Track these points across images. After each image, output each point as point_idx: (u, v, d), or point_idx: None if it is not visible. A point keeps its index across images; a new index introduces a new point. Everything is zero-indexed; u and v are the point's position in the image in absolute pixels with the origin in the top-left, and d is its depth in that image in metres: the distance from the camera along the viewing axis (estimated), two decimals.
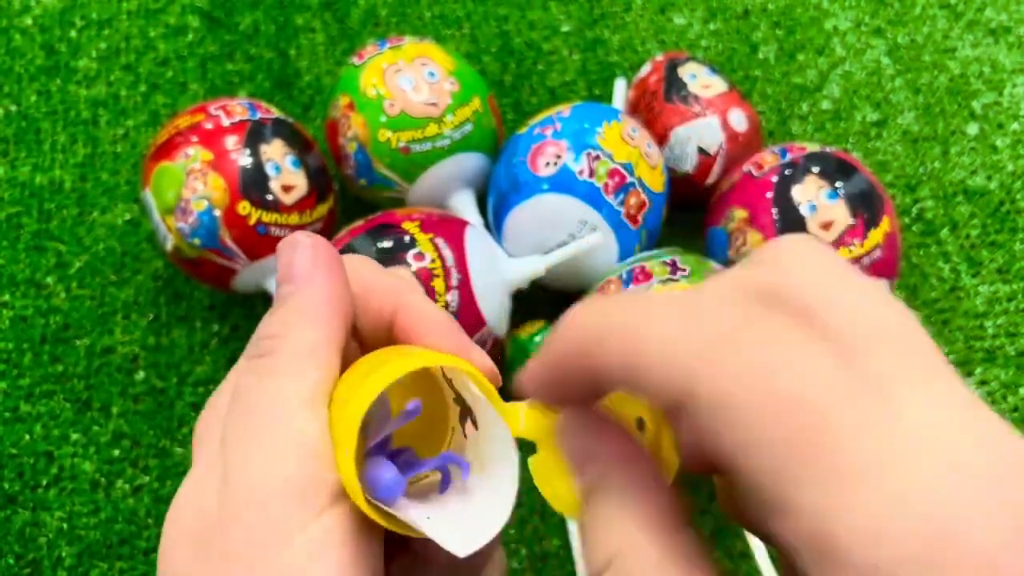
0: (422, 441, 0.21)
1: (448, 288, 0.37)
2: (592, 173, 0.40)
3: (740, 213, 0.41)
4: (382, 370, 0.18)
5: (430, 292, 0.37)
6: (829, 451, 0.13)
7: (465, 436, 0.20)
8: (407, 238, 0.38)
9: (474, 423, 0.19)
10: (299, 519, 0.17)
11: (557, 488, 0.19)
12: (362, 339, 0.21)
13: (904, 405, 0.14)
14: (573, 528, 0.40)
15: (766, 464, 0.14)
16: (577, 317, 0.17)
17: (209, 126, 0.41)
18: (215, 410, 0.20)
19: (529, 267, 0.40)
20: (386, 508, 0.18)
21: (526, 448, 0.19)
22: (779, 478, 0.14)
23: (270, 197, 0.40)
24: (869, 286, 0.15)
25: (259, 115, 0.42)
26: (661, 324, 0.15)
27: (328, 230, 0.43)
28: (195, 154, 0.40)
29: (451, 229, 0.39)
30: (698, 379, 0.14)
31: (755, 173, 0.41)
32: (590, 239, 0.40)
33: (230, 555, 0.17)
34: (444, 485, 0.19)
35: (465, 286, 0.38)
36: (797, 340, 0.14)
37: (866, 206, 0.40)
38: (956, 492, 0.13)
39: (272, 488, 0.17)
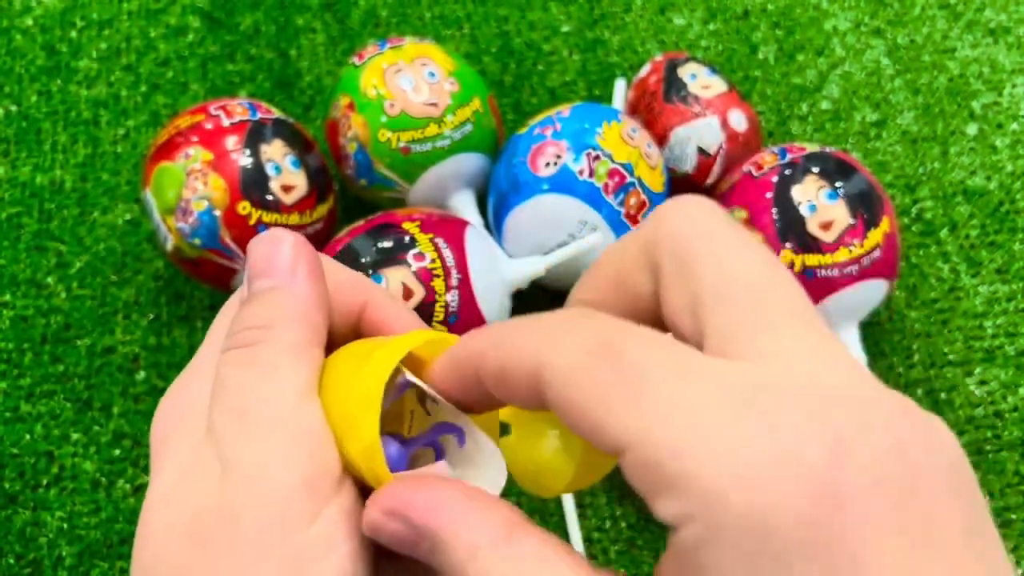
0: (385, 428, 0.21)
1: (448, 288, 0.37)
2: (592, 173, 0.40)
3: (740, 213, 0.41)
4: (387, 348, 0.18)
5: (430, 292, 0.37)
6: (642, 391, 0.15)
7: (428, 413, 0.20)
8: (407, 238, 0.38)
9: (434, 400, 0.20)
10: (310, 509, 0.17)
11: (530, 467, 0.19)
12: (330, 333, 0.21)
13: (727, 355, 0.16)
14: (574, 529, 0.40)
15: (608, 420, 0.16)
16: (471, 337, 0.19)
17: (209, 126, 0.41)
18: (180, 399, 0.20)
19: (529, 267, 0.40)
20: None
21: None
22: (612, 425, 0.15)
23: (270, 197, 0.40)
24: (737, 238, 0.18)
25: (259, 115, 0.42)
26: (521, 333, 0.18)
27: (328, 230, 0.43)
28: (195, 154, 0.40)
29: (451, 229, 0.39)
30: (543, 362, 0.16)
31: (755, 173, 0.41)
32: (590, 239, 0.40)
33: (239, 546, 0.17)
34: (439, 457, 0.20)
35: (465, 286, 0.38)
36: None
37: (866, 206, 0.40)
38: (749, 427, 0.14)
39: (280, 479, 0.17)
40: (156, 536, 0.18)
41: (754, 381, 0.15)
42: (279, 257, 0.20)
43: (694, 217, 0.18)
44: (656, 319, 0.19)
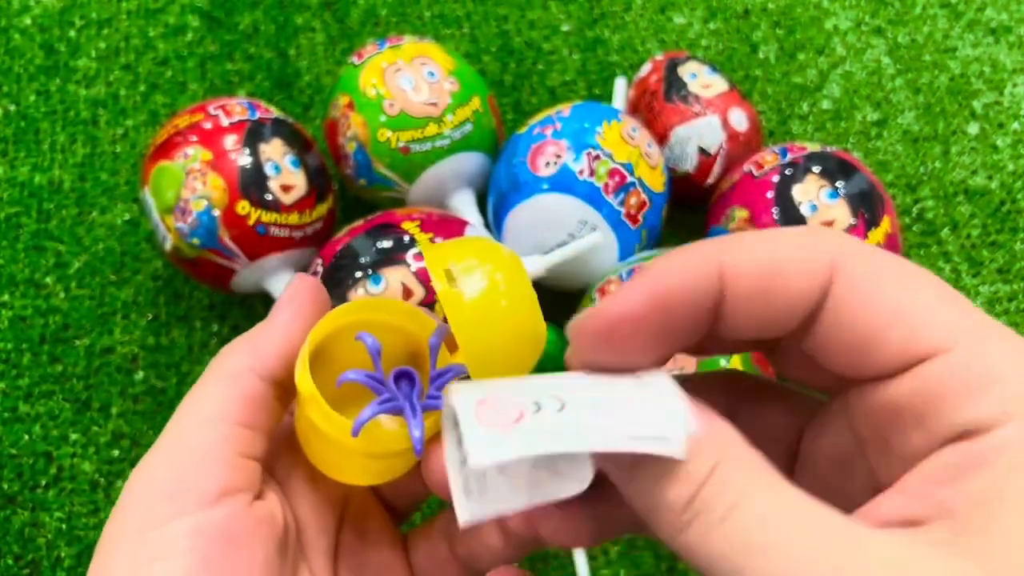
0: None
1: None
2: (592, 173, 0.40)
3: (741, 213, 0.41)
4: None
5: (430, 292, 0.37)
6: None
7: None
8: (407, 238, 0.38)
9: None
10: (162, 516, 0.19)
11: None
12: None
13: None
14: None
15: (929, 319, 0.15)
16: (676, 255, 0.16)
17: (208, 126, 0.41)
18: None
19: (529, 267, 0.40)
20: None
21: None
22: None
23: (269, 197, 0.40)
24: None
25: (258, 115, 0.42)
26: (785, 233, 0.16)
27: (327, 230, 0.43)
28: (194, 154, 0.40)
29: (451, 229, 0.39)
30: (846, 256, 0.15)
31: (755, 173, 0.41)
32: (590, 239, 0.40)
33: (106, 540, 0.19)
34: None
35: None
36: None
37: (867, 206, 0.40)
38: None
39: (145, 488, 0.19)
40: None
41: None
42: (280, 297, 0.22)
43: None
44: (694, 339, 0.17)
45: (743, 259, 0.16)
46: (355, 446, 0.19)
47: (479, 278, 0.18)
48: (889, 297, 0.15)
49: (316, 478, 0.22)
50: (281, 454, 0.22)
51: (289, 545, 0.21)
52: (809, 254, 0.16)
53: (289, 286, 0.22)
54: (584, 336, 0.17)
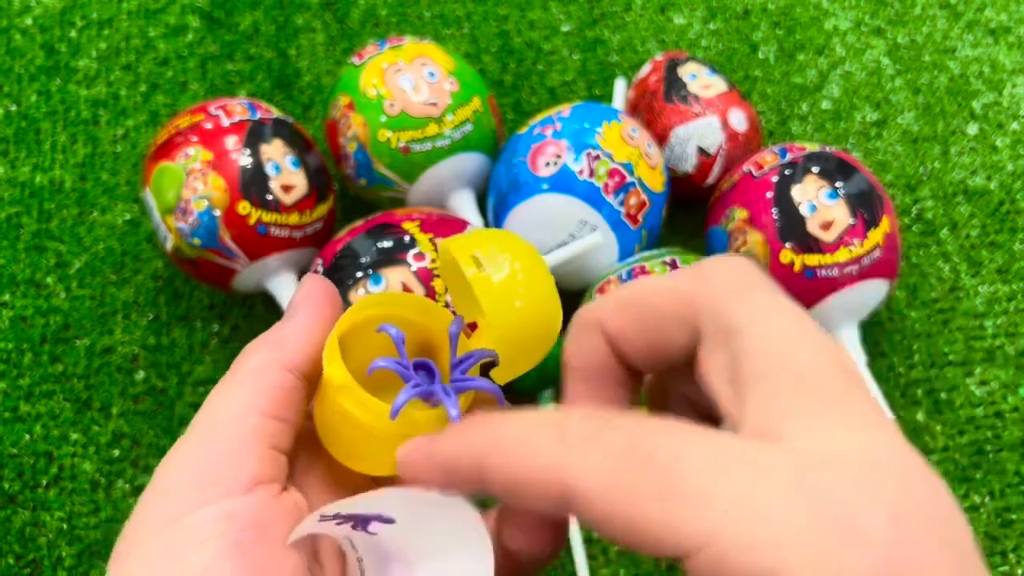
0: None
1: (448, 288, 0.37)
2: (592, 173, 0.40)
3: (740, 213, 0.41)
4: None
5: (430, 292, 0.37)
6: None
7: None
8: (407, 238, 0.38)
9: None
10: (192, 503, 0.19)
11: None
12: None
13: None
14: (575, 529, 0.40)
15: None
16: (464, 432, 0.19)
17: (209, 126, 0.41)
18: None
19: None
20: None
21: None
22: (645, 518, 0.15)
23: (270, 197, 0.40)
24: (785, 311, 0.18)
25: (259, 115, 0.42)
26: (534, 439, 0.17)
27: (328, 230, 0.43)
28: (195, 154, 0.40)
29: (451, 229, 0.39)
30: (569, 478, 0.16)
31: (755, 173, 0.41)
32: (590, 239, 0.40)
33: (138, 528, 0.19)
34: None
35: None
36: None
37: (866, 206, 0.40)
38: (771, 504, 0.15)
39: (176, 476, 0.19)
40: None
41: (799, 463, 0.15)
42: (293, 298, 0.23)
43: (739, 281, 0.18)
44: (678, 367, 0.19)
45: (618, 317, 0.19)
46: (390, 431, 0.20)
47: (504, 263, 0.19)
48: (618, 518, 0.16)
49: (332, 477, 0.22)
50: (299, 452, 0.23)
51: (306, 540, 0.21)
52: (537, 473, 0.17)
53: (302, 285, 0.23)
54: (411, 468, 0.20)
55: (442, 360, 0.22)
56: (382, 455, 0.20)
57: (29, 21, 0.55)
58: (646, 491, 0.15)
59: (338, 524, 0.20)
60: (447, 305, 0.37)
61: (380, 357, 0.20)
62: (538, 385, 0.42)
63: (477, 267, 0.19)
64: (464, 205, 0.44)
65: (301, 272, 0.43)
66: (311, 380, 0.21)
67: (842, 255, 0.39)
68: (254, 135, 0.41)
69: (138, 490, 0.42)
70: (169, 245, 0.41)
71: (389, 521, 0.20)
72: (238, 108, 0.42)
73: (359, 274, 0.37)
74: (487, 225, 0.44)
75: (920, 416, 0.44)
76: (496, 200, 0.43)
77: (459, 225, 0.40)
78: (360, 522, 0.20)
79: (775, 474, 0.15)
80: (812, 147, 0.42)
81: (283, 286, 0.42)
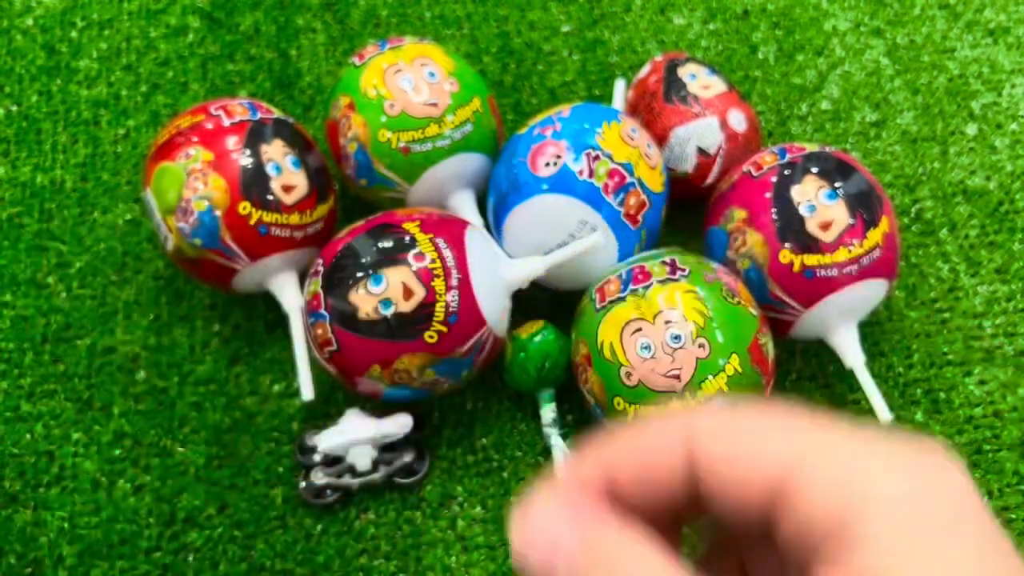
0: None
1: (448, 288, 0.37)
2: (592, 173, 0.40)
3: (739, 213, 0.41)
4: None
5: (430, 292, 0.37)
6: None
7: None
8: (407, 238, 0.38)
9: None
10: None
11: None
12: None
13: None
14: None
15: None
16: (665, 415, 0.17)
17: (210, 126, 0.41)
18: None
19: (529, 267, 0.40)
20: None
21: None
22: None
23: (271, 197, 0.40)
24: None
25: (260, 115, 0.42)
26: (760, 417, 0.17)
27: (328, 230, 0.43)
28: (196, 154, 0.40)
29: (451, 229, 0.39)
30: (806, 455, 0.15)
31: (754, 173, 0.41)
32: (590, 239, 0.40)
33: None
34: None
35: (465, 286, 0.38)
36: None
37: (865, 206, 0.40)
38: None
39: None
40: None
41: None
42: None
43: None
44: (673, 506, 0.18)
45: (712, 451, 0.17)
46: None
47: None
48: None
49: None
50: None
51: None
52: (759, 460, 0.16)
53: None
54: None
55: None
56: None
57: (30, 21, 0.55)
58: None
59: None
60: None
61: None
62: (538, 386, 0.42)
63: None
64: (464, 205, 0.44)
65: (302, 272, 0.43)
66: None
67: (841, 255, 0.39)
68: (255, 135, 0.41)
69: (139, 489, 0.42)
70: (170, 245, 0.41)
71: None
72: (239, 108, 0.42)
73: (359, 274, 0.37)
74: (487, 226, 0.45)
75: (919, 416, 0.44)
76: (496, 200, 0.43)
77: (459, 225, 0.40)
78: None
79: None
80: (811, 147, 0.42)
81: (284, 286, 0.42)
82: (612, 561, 0.16)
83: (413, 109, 0.42)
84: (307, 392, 0.41)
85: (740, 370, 0.36)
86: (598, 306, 0.38)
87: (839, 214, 0.39)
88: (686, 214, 0.47)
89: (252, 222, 0.40)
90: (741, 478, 0.16)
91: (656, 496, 0.17)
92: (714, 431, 0.17)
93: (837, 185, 0.40)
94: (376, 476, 0.41)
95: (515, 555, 0.17)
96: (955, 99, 0.53)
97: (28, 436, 0.43)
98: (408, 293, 0.37)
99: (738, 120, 0.45)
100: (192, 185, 0.40)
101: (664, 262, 0.39)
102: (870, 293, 0.40)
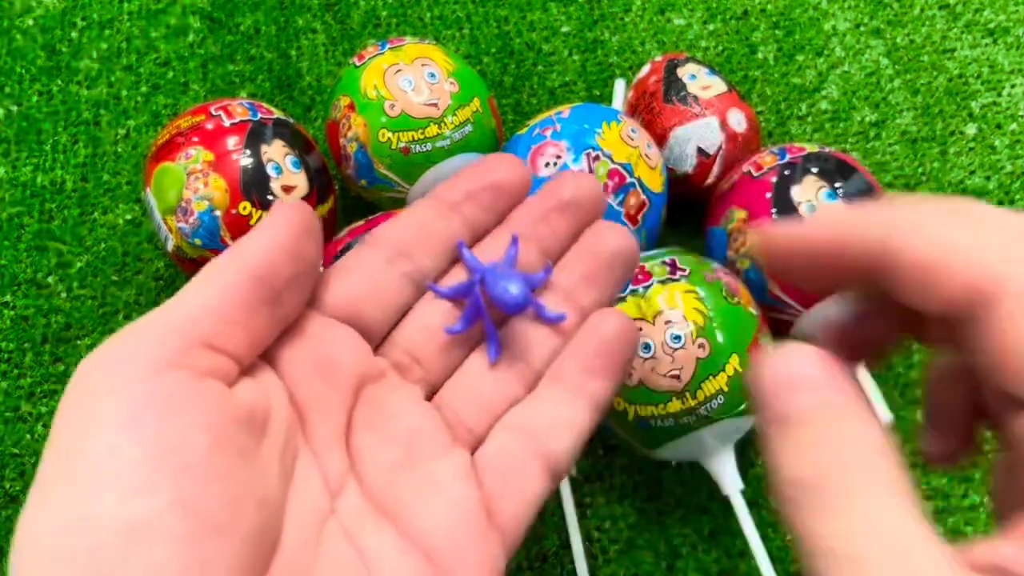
0: None
1: None
2: (592, 174, 0.40)
3: (739, 213, 0.41)
4: None
5: None
6: None
7: None
8: None
9: None
10: (100, 388, 0.20)
11: None
12: None
13: None
14: (574, 529, 0.40)
15: None
16: (868, 207, 0.17)
17: (210, 126, 0.41)
18: None
19: None
20: None
21: None
22: None
23: (271, 198, 0.40)
24: None
25: (260, 116, 0.42)
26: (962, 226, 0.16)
27: (328, 230, 0.44)
28: (196, 154, 0.40)
29: None
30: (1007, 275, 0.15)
31: (754, 174, 0.42)
32: None
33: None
34: None
35: None
36: None
37: None
38: None
39: (93, 363, 0.20)
40: None
41: None
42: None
43: None
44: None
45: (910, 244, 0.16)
46: None
47: None
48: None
49: (323, 365, 0.23)
50: (284, 345, 0.23)
51: (272, 431, 0.21)
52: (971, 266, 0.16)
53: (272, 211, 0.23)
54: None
55: None
56: None
57: (30, 22, 0.55)
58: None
59: None
60: None
61: None
62: None
63: None
64: None
65: None
66: (272, 282, 0.22)
67: None
68: (255, 136, 0.41)
69: None
70: (170, 245, 0.41)
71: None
72: (239, 109, 0.42)
73: None
74: None
75: (919, 416, 0.44)
76: None
77: None
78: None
79: None
80: (811, 148, 0.42)
81: None
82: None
83: (413, 109, 0.42)
84: None
85: (740, 370, 0.36)
86: None
87: None
88: (686, 214, 0.47)
89: (252, 222, 0.40)
90: (942, 279, 0.16)
91: (834, 281, 0.18)
92: (919, 226, 0.16)
93: (837, 185, 0.40)
94: None
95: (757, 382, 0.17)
96: (955, 99, 0.53)
97: (28, 436, 0.43)
98: None
99: (738, 120, 0.45)
100: (192, 185, 0.40)
101: (664, 262, 0.39)
102: None
